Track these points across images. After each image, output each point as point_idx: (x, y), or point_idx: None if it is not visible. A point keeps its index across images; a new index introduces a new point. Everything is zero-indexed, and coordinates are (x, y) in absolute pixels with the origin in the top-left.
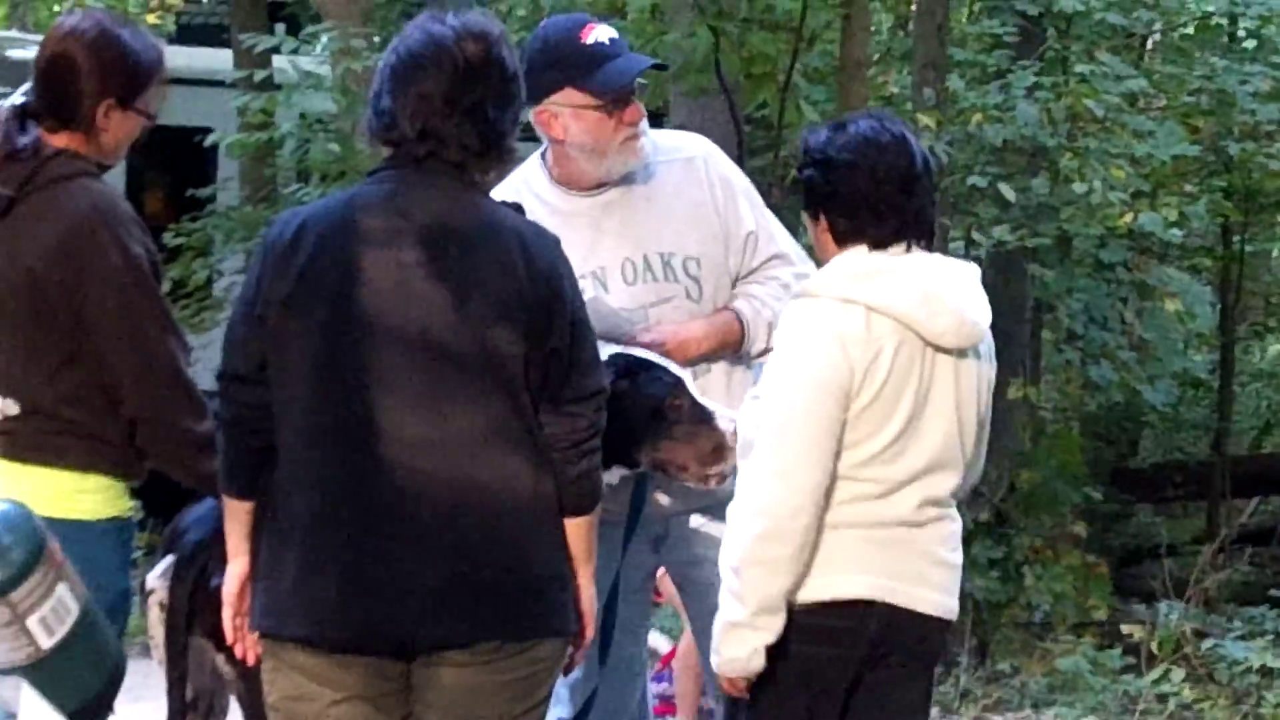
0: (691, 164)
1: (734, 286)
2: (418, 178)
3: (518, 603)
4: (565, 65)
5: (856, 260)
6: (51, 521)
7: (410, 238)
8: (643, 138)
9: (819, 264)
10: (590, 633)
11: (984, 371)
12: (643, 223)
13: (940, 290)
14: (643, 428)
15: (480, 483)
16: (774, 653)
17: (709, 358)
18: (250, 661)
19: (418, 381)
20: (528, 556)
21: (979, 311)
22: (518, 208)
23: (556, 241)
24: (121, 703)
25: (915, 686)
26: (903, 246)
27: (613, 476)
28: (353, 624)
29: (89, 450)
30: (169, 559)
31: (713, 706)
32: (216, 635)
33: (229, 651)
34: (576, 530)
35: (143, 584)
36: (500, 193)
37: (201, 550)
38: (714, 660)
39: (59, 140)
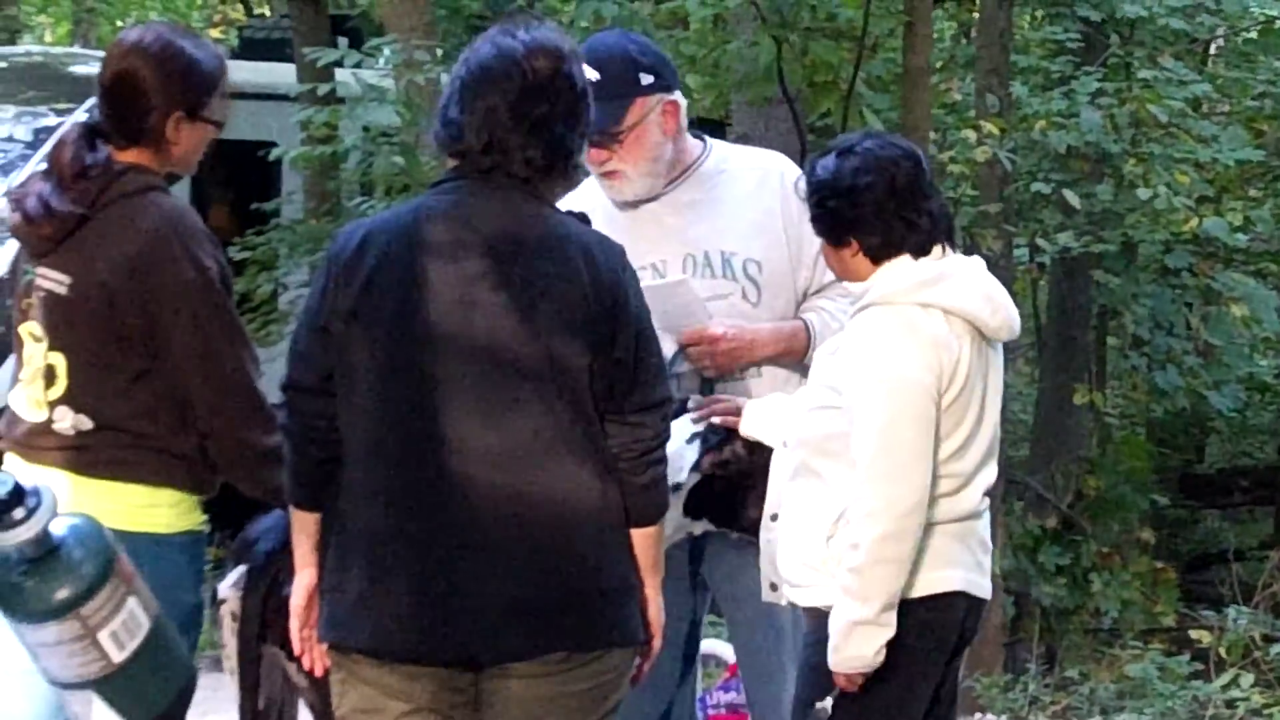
0: (768, 175)
1: (803, 300)
2: (482, 189)
3: (585, 613)
4: None
5: (914, 268)
6: (125, 535)
7: (474, 249)
8: (620, 177)
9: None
10: (658, 643)
11: (1001, 362)
12: (708, 223)
13: (992, 287)
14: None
15: (546, 493)
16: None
17: (771, 361)
18: (318, 673)
19: (482, 392)
20: (594, 567)
21: (1013, 305)
22: (583, 217)
23: (621, 251)
24: (191, 717)
25: (960, 665)
26: (940, 249)
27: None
28: (419, 635)
29: (161, 464)
30: (241, 569)
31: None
32: (288, 645)
33: (300, 661)
34: (643, 541)
35: (214, 594)
36: (570, 196)
37: (273, 560)
38: (834, 659)
39: (129, 156)
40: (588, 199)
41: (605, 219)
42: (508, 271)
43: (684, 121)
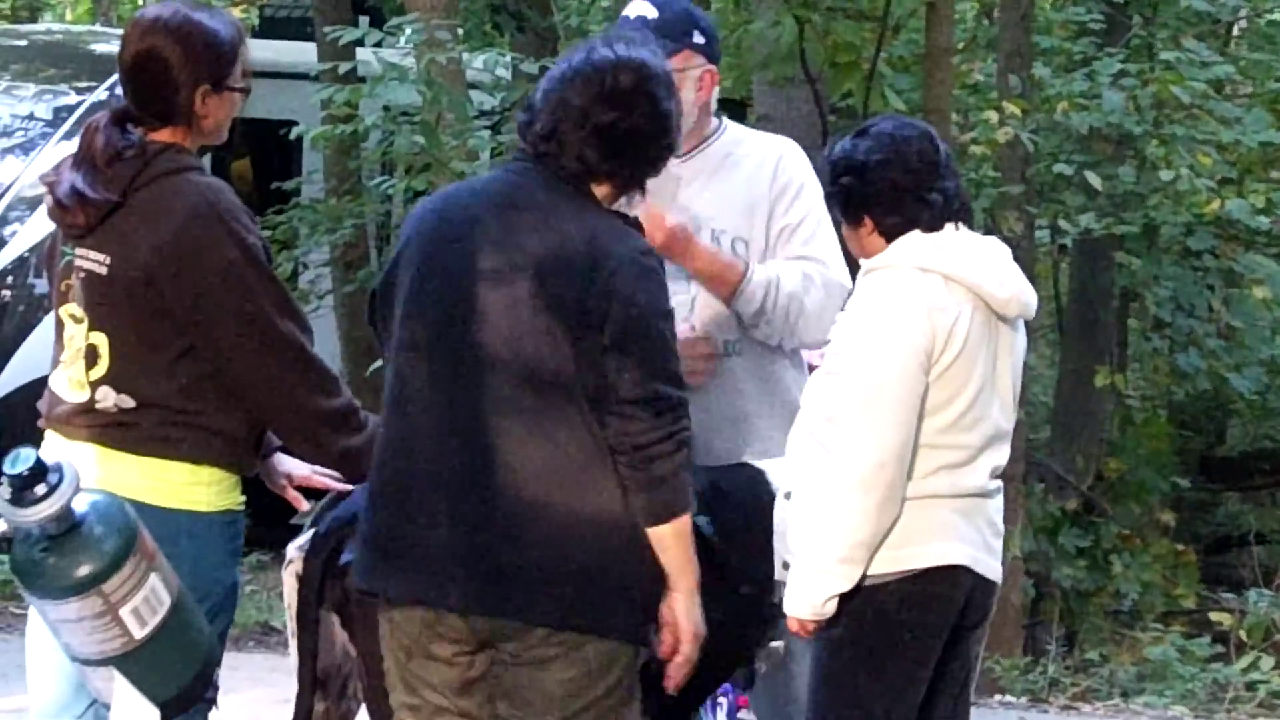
0: (765, 160)
1: None
2: (531, 173)
3: (564, 595)
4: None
5: (922, 238)
6: (165, 512)
7: (488, 224)
8: None
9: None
10: (686, 649)
11: (1021, 347)
12: (705, 200)
13: (1002, 262)
14: None
15: (522, 466)
16: (879, 621)
17: (734, 338)
18: None
19: (471, 365)
20: (580, 553)
21: (1028, 285)
22: (635, 222)
23: (642, 250)
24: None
25: (978, 648)
26: (952, 226)
27: None
28: (421, 584)
29: (204, 441)
30: (310, 532)
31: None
32: (341, 611)
33: (351, 629)
34: (660, 541)
35: (284, 555)
36: None
37: (341, 526)
38: (787, 603)
39: (162, 136)
40: None
41: None
42: (510, 242)
43: (713, 102)
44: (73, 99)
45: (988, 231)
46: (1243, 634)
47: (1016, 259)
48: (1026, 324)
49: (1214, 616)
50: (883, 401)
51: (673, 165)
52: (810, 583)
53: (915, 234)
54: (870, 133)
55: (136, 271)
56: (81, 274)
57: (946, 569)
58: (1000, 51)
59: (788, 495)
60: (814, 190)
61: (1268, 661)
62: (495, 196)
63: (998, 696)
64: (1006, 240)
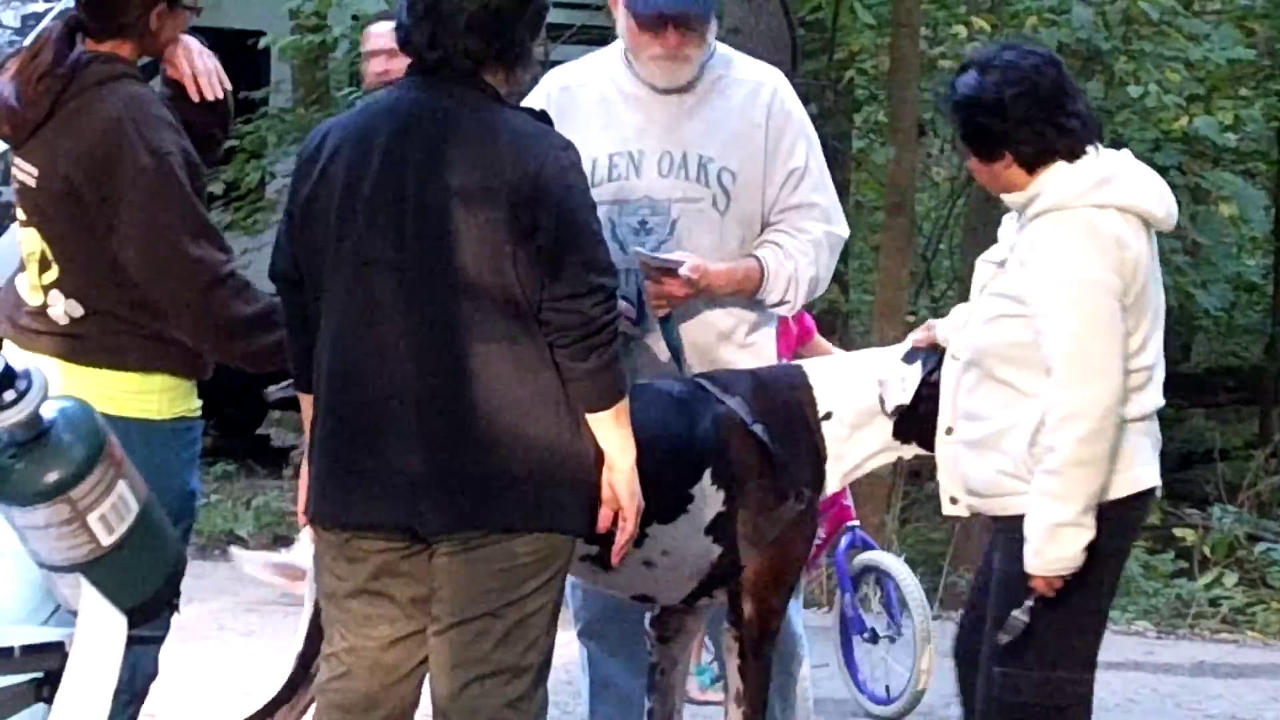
0: (759, 89)
1: (767, 219)
2: (429, 84)
3: (498, 496)
4: None
5: (1081, 170)
6: (117, 420)
7: (410, 142)
8: (679, 64)
9: (1011, 199)
10: (631, 526)
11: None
12: (693, 125)
13: (1150, 178)
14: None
15: (467, 378)
16: (1089, 553)
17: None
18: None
19: (408, 281)
20: (512, 451)
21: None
22: (542, 115)
23: (562, 144)
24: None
25: None
26: (1093, 148)
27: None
28: (357, 508)
29: (152, 350)
30: None
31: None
32: None
33: None
34: (601, 426)
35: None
36: (562, 77)
37: None
38: (1034, 563)
39: (107, 48)
40: (587, 79)
41: (598, 102)
42: (437, 161)
43: None
44: (40, 6)
45: (954, 146)
46: (1206, 550)
47: None
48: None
49: (1178, 532)
50: (1098, 348)
51: (674, 99)
52: (1064, 539)
53: (1061, 165)
54: (995, 66)
55: (61, 183)
56: (17, 184)
57: (1141, 494)
58: None
59: (949, 431)
60: (809, 127)
61: (1231, 578)
62: (410, 116)
63: (962, 610)
64: None
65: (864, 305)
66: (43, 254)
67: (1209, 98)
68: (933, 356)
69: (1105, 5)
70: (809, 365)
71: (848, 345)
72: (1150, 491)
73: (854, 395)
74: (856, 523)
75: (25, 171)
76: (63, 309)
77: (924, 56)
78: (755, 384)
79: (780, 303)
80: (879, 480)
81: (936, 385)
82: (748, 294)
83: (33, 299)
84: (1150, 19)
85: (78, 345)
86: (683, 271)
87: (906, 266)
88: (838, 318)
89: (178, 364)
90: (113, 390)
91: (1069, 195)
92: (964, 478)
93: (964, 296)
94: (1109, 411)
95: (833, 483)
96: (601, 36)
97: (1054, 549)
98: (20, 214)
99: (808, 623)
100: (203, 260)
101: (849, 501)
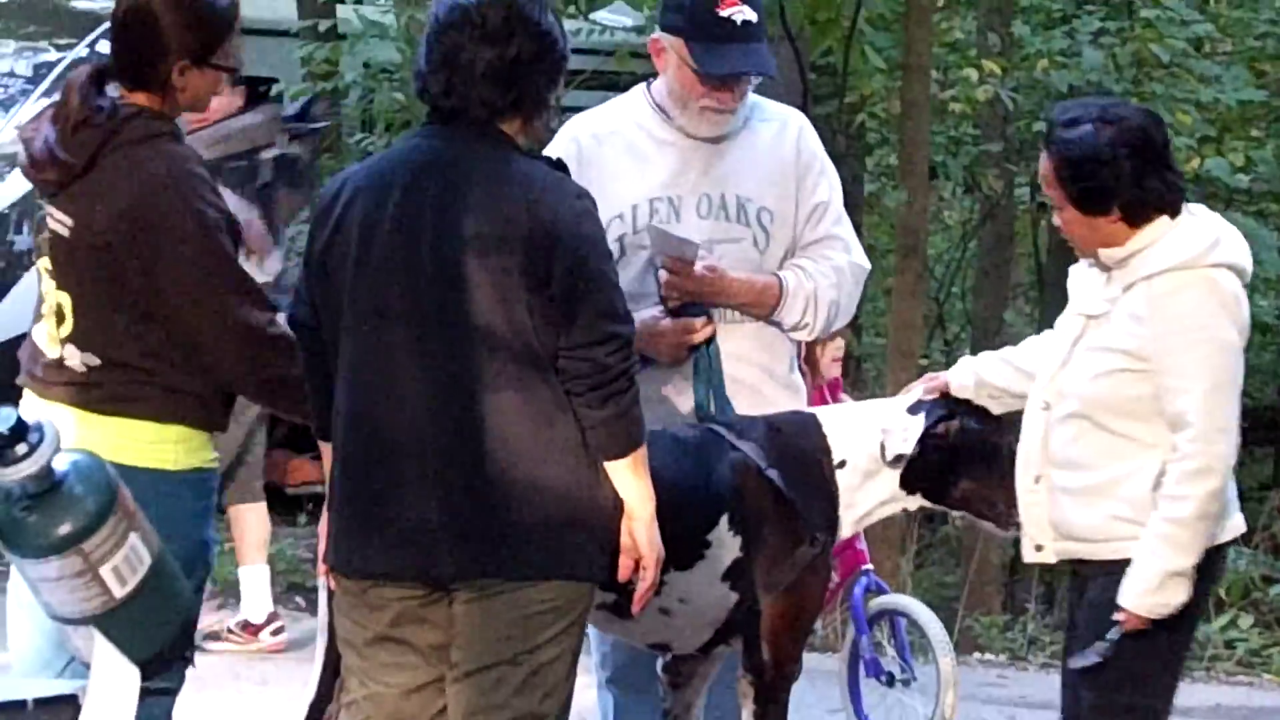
0: (786, 128)
1: (793, 254)
2: (446, 134)
3: (516, 543)
4: (691, 19)
5: (1192, 230)
6: (133, 470)
7: (426, 191)
8: (726, 115)
9: (1094, 254)
10: (650, 572)
11: None
12: (729, 166)
13: (1239, 234)
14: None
15: (485, 426)
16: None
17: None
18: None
19: (426, 329)
20: (531, 499)
21: None
22: (559, 164)
23: (576, 193)
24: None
25: None
26: (1186, 206)
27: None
28: (375, 557)
29: (169, 401)
30: None
31: None
32: None
33: None
34: (620, 474)
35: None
36: (589, 124)
37: None
38: (1139, 602)
39: (137, 99)
40: (616, 126)
41: (627, 150)
42: (452, 211)
43: None
44: (53, 56)
45: (967, 189)
46: (1221, 592)
47: (996, 217)
48: (1008, 283)
49: None
50: (1228, 406)
51: (707, 145)
52: (1174, 588)
53: (1164, 221)
54: (1109, 121)
55: (96, 237)
56: (49, 233)
57: (1231, 541)
58: (980, 9)
59: (1036, 480)
60: (829, 164)
61: (1246, 620)
62: (426, 166)
63: (977, 654)
64: (986, 198)
65: (876, 349)
66: (58, 306)
67: (1220, 139)
68: (939, 408)
69: (1116, 48)
70: (821, 413)
71: (860, 389)
72: (1235, 540)
73: (867, 443)
74: (870, 567)
75: (59, 221)
76: (80, 360)
77: (935, 100)
78: (769, 430)
79: (799, 325)
80: (893, 524)
81: (942, 437)
82: (765, 309)
83: (51, 350)
84: (1161, 61)
85: (95, 394)
86: (698, 267)
87: (919, 310)
88: (850, 361)
89: (194, 415)
90: (128, 440)
91: (1190, 255)
92: (1061, 524)
93: (977, 340)
94: (1230, 466)
95: (845, 529)
96: (612, 83)
97: (1163, 595)
98: (46, 264)
99: (820, 667)
100: (249, 323)
101: (863, 545)
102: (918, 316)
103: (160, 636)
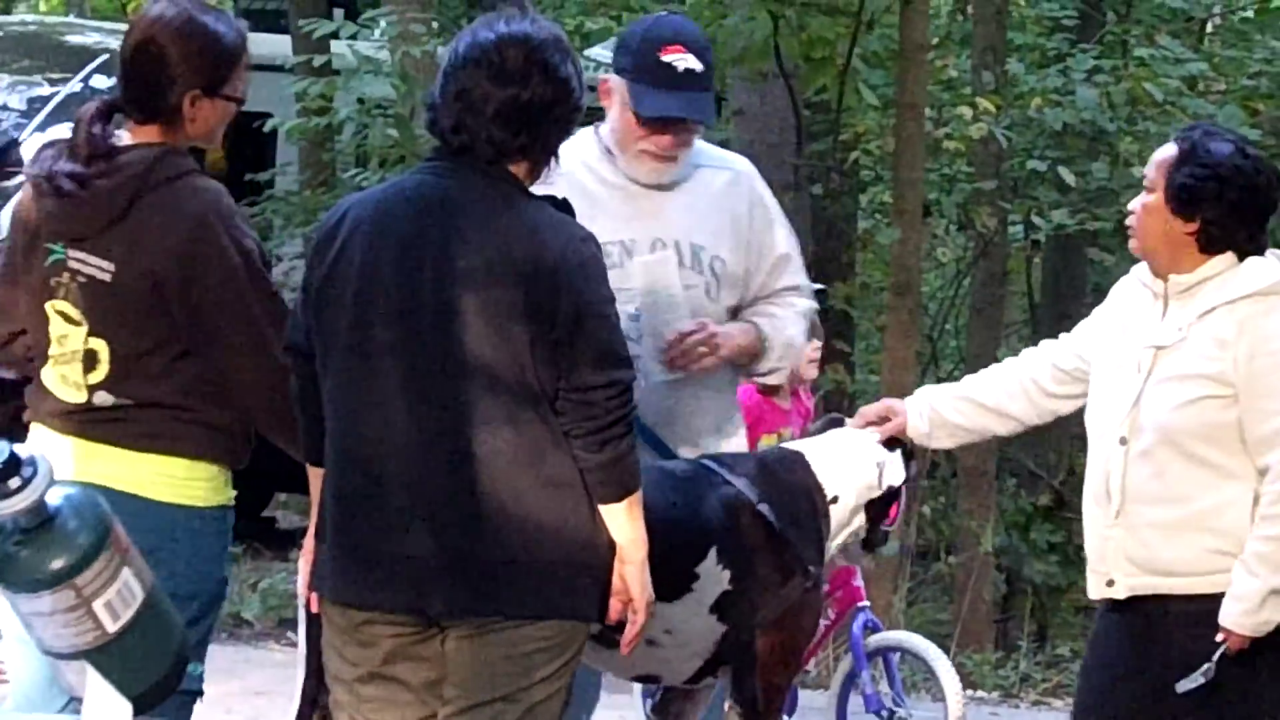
0: (738, 179)
1: (749, 304)
2: (450, 169)
3: (512, 582)
4: (636, 63)
5: (1259, 264)
6: (163, 506)
7: (428, 226)
8: (667, 163)
9: (1157, 259)
10: (641, 616)
11: None
12: (681, 214)
13: None
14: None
15: (482, 464)
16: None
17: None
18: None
19: (424, 365)
20: (527, 538)
21: None
22: (564, 204)
23: (581, 236)
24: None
25: None
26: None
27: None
28: (368, 588)
29: (202, 438)
30: None
31: None
32: None
33: None
34: (614, 518)
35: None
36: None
37: None
38: (1243, 621)
39: (147, 133)
40: (566, 167)
41: (578, 192)
42: (454, 248)
43: None
44: (46, 90)
45: (961, 227)
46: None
47: (989, 255)
48: (1002, 321)
49: None
50: None
51: (655, 191)
52: (1275, 604)
53: (1230, 256)
54: (1246, 154)
55: (142, 278)
56: (81, 278)
57: None
58: (974, 47)
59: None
60: (781, 213)
61: None
62: (430, 200)
63: (969, 691)
64: (980, 236)
65: (870, 386)
66: (90, 353)
67: None
68: (898, 446)
69: (1110, 86)
70: (805, 449)
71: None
72: None
73: (856, 478)
74: (867, 604)
75: (94, 266)
76: (112, 401)
77: (929, 137)
78: (760, 465)
79: (771, 370)
80: (886, 560)
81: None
82: (748, 355)
83: (72, 395)
84: (1155, 99)
85: (128, 430)
86: (701, 334)
87: (913, 347)
88: (844, 398)
89: (223, 452)
90: (161, 476)
91: (1272, 282)
92: (1143, 559)
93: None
94: None
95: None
96: (588, 120)
97: (1266, 613)
98: (65, 308)
99: (811, 704)
100: (278, 355)
101: (859, 582)
102: (911, 354)
103: (153, 671)
